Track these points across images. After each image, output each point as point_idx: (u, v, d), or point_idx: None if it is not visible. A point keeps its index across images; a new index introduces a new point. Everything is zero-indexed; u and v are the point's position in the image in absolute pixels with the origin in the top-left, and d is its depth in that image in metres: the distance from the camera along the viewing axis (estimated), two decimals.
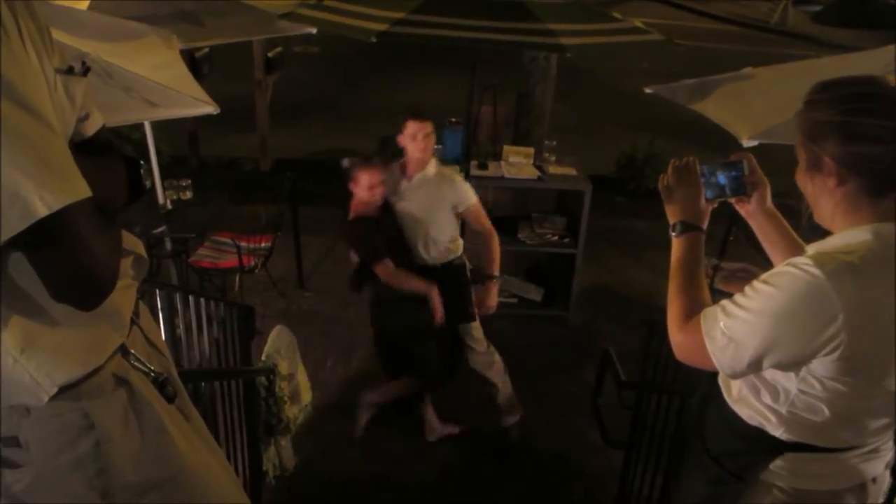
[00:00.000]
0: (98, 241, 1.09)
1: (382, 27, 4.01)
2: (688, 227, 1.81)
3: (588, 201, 5.31)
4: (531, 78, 7.35)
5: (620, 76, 12.18)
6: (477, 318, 4.16)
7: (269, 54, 7.63)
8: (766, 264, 5.07)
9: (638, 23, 5.10)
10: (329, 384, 4.74)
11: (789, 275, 1.49)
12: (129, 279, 1.36)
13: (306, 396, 3.91)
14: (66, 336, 1.21)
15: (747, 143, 3.32)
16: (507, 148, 5.80)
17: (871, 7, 21.40)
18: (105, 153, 1.30)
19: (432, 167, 3.99)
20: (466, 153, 5.28)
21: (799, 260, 1.51)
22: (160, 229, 4.91)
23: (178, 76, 3.57)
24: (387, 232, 3.86)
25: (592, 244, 5.83)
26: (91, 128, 1.31)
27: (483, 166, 5.53)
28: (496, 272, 4.08)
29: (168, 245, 5.37)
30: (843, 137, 1.50)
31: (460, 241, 4.15)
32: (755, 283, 1.57)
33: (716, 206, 1.86)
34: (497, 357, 4.23)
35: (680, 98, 4.20)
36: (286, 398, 3.62)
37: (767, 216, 1.92)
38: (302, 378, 3.92)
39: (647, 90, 4.48)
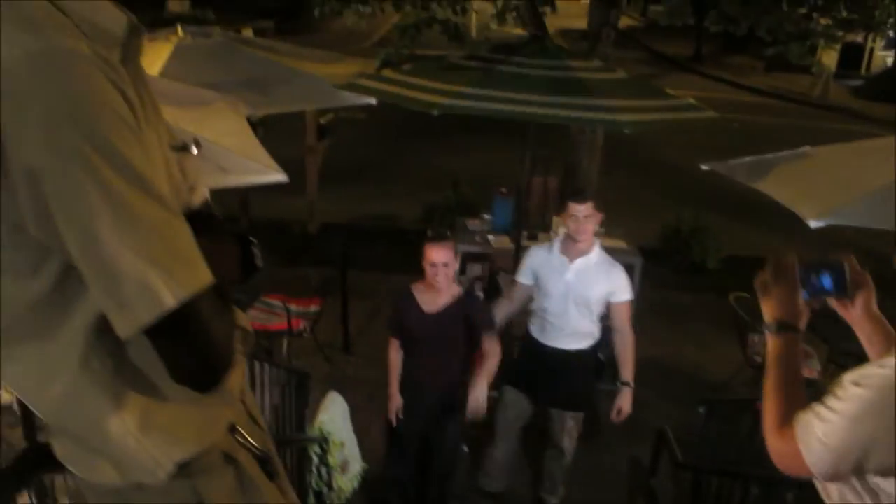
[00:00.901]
0: (218, 324, 1.10)
1: (443, 100, 4.10)
2: (784, 327, 1.76)
3: (639, 274, 5.29)
4: (578, 149, 7.42)
5: (664, 148, 12.23)
6: (581, 410, 4.20)
7: (322, 120, 7.81)
8: (818, 341, 4.96)
9: (690, 99, 5.15)
10: (374, 452, 4.68)
11: (880, 376, 1.46)
12: (238, 354, 1.37)
13: (356, 466, 3.88)
14: (181, 414, 1.22)
15: (815, 223, 3.30)
16: (556, 219, 5.83)
17: None
18: (215, 228, 1.32)
19: (595, 254, 4.00)
20: (517, 223, 5.31)
21: (888, 361, 1.48)
22: None
23: (247, 143, 3.66)
24: (424, 330, 3.79)
25: (638, 317, 5.78)
26: (198, 199, 1.34)
27: (533, 237, 5.55)
28: (629, 377, 4.03)
29: None
30: None
31: (597, 332, 4.14)
32: (846, 383, 1.53)
33: (816, 307, 1.81)
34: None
35: (739, 176, 4.20)
36: (338, 467, 3.60)
37: (872, 321, 1.86)
38: (352, 447, 3.90)
39: (704, 167, 4.48)
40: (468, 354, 3.89)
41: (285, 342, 5.57)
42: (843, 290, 1.81)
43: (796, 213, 3.46)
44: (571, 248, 4.01)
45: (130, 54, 1.10)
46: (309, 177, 8.10)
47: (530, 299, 4.22)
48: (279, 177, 3.63)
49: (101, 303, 1.03)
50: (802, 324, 1.78)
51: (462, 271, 5.60)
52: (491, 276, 5.70)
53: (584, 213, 3.88)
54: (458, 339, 3.81)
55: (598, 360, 4.43)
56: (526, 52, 4.60)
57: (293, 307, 5.44)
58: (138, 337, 1.04)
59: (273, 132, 7.79)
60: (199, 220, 1.28)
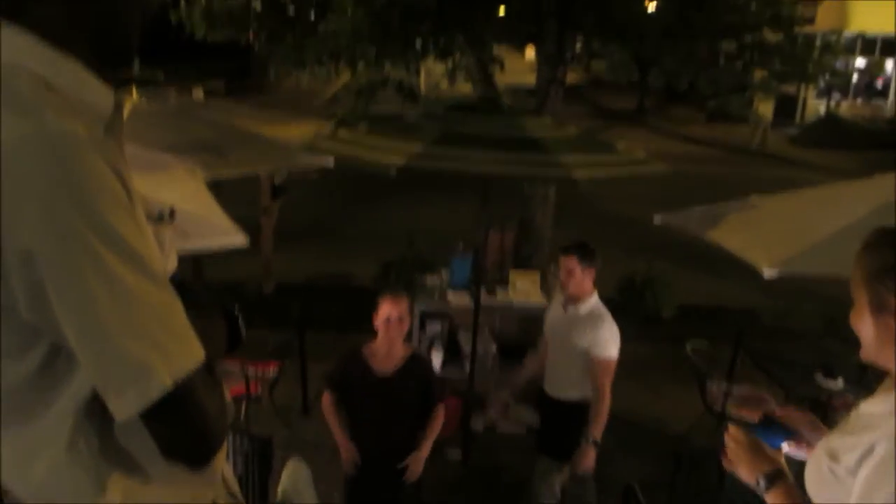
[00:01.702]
0: (210, 399, 1.09)
1: (401, 160, 4.13)
2: (771, 479, 1.82)
3: None
4: (532, 205, 7.53)
5: (616, 200, 12.48)
6: (558, 458, 4.27)
7: (276, 180, 7.81)
8: (775, 386, 5.04)
9: (640, 153, 5.28)
10: None
11: None
12: None
13: None
14: (164, 494, 1.19)
15: (768, 272, 3.39)
16: (513, 273, 5.88)
17: (844, 130, 22.33)
18: (198, 300, 1.31)
19: (587, 305, 4.10)
20: (475, 280, 5.34)
21: None
22: None
23: (206, 206, 3.64)
24: (363, 393, 3.75)
25: None
26: (171, 269, 1.33)
27: (491, 292, 5.58)
28: (596, 436, 4.07)
29: None
30: None
31: (586, 384, 4.15)
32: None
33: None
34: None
35: (691, 228, 4.31)
36: None
37: None
38: None
39: (657, 220, 4.59)
40: (419, 419, 3.84)
41: (244, 407, 5.46)
42: (790, 436, 1.94)
43: (749, 262, 3.54)
44: (568, 297, 4.16)
45: (114, 127, 1.10)
46: (263, 237, 8.05)
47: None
48: (239, 239, 3.61)
49: (98, 385, 1.01)
50: (781, 461, 1.85)
51: (421, 329, 5.59)
52: (450, 333, 5.69)
53: (566, 266, 4.07)
54: (408, 403, 3.78)
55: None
56: (481, 111, 4.69)
57: (251, 371, 5.34)
58: (132, 422, 1.02)
59: (226, 193, 7.75)
60: (183, 292, 1.28)
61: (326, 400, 3.81)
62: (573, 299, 4.12)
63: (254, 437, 3.26)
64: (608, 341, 4.05)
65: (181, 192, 3.61)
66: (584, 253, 4.09)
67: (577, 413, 4.18)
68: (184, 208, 3.40)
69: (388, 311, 3.64)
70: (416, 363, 3.82)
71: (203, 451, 1.12)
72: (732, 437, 1.91)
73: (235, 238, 3.63)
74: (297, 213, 9.61)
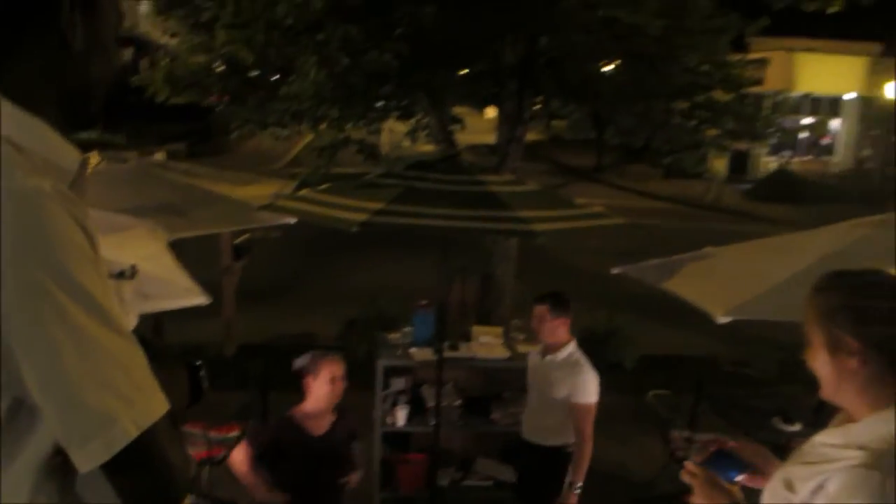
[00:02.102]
0: (173, 450, 1.10)
1: (363, 217, 4.18)
2: None
3: None
4: (493, 260, 7.62)
5: (575, 254, 12.66)
6: None
7: (237, 241, 7.80)
8: (736, 432, 5.13)
9: (598, 207, 5.41)
10: None
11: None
12: None
13: None
14: None
15: (722, 319, 3.48)
16: (476, 328, 5.92)
17: (794, 185, 23.05)
18: (160, 354, 1.32)
19: (565, 353, 4.23)
20: (438, 335, 5.36)
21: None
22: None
23: (167, 267, 3.64)
24: (301, 457, 3.70)
25: None
26: (131, 326, 1.35)
27: (454, 347, 5.59)
28: (578, 481, 4.14)
29: None
30: (861, 321, 1.63)
31: (568, 431, 4.21)
32: None
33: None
34: None
35: (648, 278, 4.41)
36: None
37: None
38: None
39: (615, 271, 4.69)
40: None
41: (206, 471, 5.35)
42: (744, 469, 1.98)
43: (704, 310, 3.64)
44: (546, 345, 4.33)
45: (79, 184, 1.13)
46: (225, 298, 8.00)
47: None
48: (201, 300, 3.61)
49: (61, 436, 1.02)
50: (736, 495, 1.92)
51: (385, 385, 5.57)
52: (414, 388, 5.69)
53: (538, 314, 4.26)
54: (346, 456, 3.83)
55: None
56: (441, 169, 4.77)
57: (213, 435, 5.26)
58: (94, 475, 1.03)
59: (187, 253, 7.71)
60: (144, 346, 1.29)
61: (241, 455, 3.70)
62: (550, 347, 4.28)
63: (216, 500, 3.20)
64: (588, 387, 4.15)
65: (142, 253, 3.60)
66: (556, 302, 4.25)
67: (559, 459, 4.25)
68: (145, 269, 3.40)
69: (332, 371, 3.69)
70: (347, 416, 3.88)
71: (168, 500, 1.12)
72: (689, 472, 1.96)
73: (197, 298, 3.62)
74: (258, 274, 9.57)
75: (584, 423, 4.13)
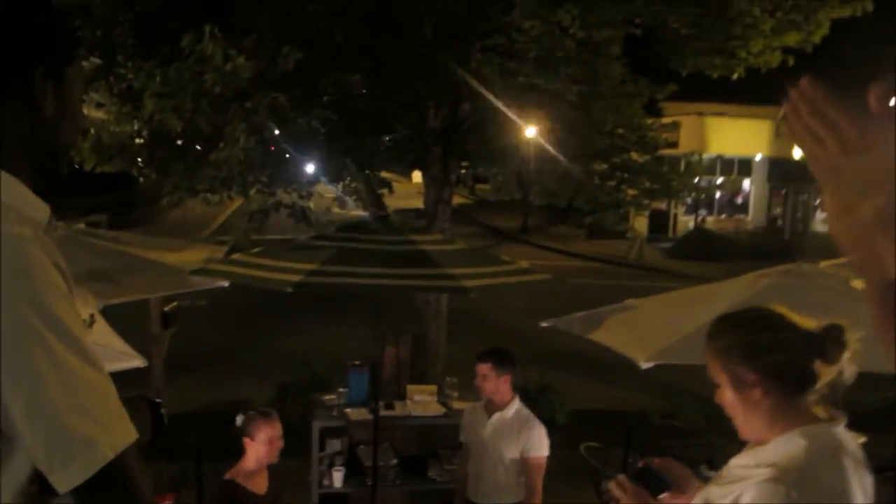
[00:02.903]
0: (142, 477, 1.17)
1: (297, 278, 4.26)
2: None
3: None
4: (425, 319, 7.71)
5: (505, 313, 12.84)
6: None
7: (166, 309, 7.70)
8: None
9: (524, 264, 5.60)
10: None
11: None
12: None
13: None
14: None
15: (645, 364, 3.65)
16: (410, 387, 5.97)
17: (711, 242, 24.00)
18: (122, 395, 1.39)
19: (513, 410, 4.22)
20: (373, 394, 5.40)
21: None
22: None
23: (101, 332, 3.62)
24: None
25: None
26: None
27: (390, 406, 5.64)
28: None
29: None
30: (755, 354, 1.80)
31: (521, 488, 4.22)
32: None
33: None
34: None
35: (575, 329, 4.58)
36: None
37: None
38: None
39: (544, 324, 4.85)
40: None
41: None
42: (669, 486, 2.06)
43: (628, 356, 3.81)
44: (490, 404, 4.29)
45: (49, 233, 1.23)
46: (154, 367, 7.83)
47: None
48: (137, 363, 3.60)
49: (44, 459, 1.08)
50: None
51: (321, 447, 5.55)
52: (350, 449, 5.68)
53: (481, 372, 4.24)
54: None
55: None
56: (371, 230, 4.91)
57: None
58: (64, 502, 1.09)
59: (113, 322, 7.58)
60: None
61: None
62: (495, 405, 4.26)
63: None
64: (542, 440, 4.23)
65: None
66: (500, 359, 4.26)
67: None
68: None
69: (270, 432, 3.71)
70: (273, 470, 3.88)
71: None
72: (619, 485, 2.05)
73: (134, 361, 3.62)
74: (188, 343, 9.42)
75: (537, 478, 4.18)
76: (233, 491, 3.70)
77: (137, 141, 7.15)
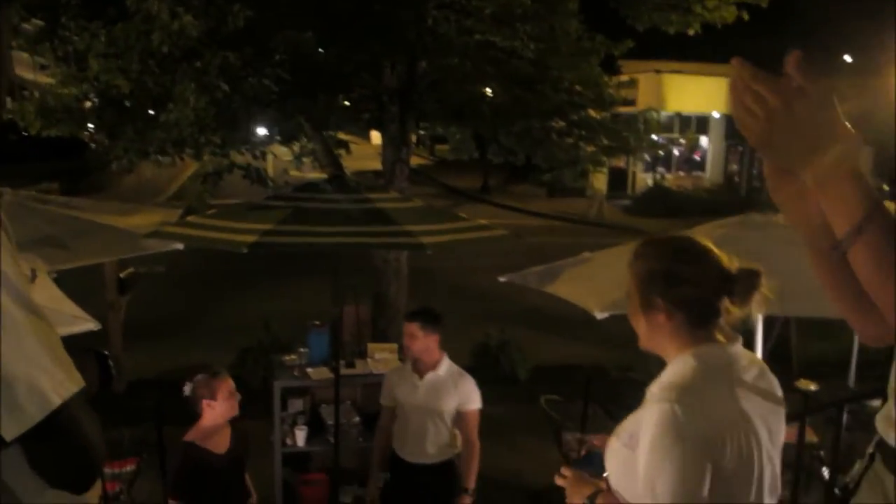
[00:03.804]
0: (91, 425, 1.17)
1: (252, 238, 4.21)
2: (593, 497, 2.02)
3: None
4: (385, 277, 7.72)
5: (467, 272, 12.89)
6: None
7: (122, 275, 7.60)
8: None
9: (482, 221, 5.61)
10: None
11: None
12: None
13: None
14: None
15: (600, 315, 3.70)
16: (371, 346, 5.99)
17: (670, 199, 24.30)
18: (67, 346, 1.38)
19: (444, 368, 4.23)
20: (334, 354, 5.41)
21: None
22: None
23: (51, 297, 3.56)
24: (223, 471, 3.74)
25: None
26: None
27: (351, 365, 5.65)
28: (470, 486, 4.22)
29: None
30: (669, 282, 1.87)
31: (453, 443, 4.27)
32: (645, 446, 1.78)
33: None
34: None
35: (531, 283, 4.62)
36: None
37: None
38: None
39: (501, 279, 4.88)
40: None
41: None
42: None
43: (583, 307, 3.86)
44: (420, 365, 4.26)
45: None
46: (111, 334, 7.76)
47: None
48: (90, 325, 3.54)
49: None
50: (601, 485, 2.04)
51: (283, 407, 5.56)
52: (313, 408, 5.70)
53: (408, 331, 4.21)
54: (245, 464, 3.92)
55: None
56: (328, 190, 4.86)
57: (106, 470, 5.12)
58: (13, 455, 1.08)
59: (68, 289, 7.46)
60: None
61: None
62: (426, 365, 4.24)
63: None
64: (475, 393, 4.27)
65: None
66: (427, 318, 4.23)
67: (450, 472, 4.33)
68: None
69: (228, 387, 3.73)
70: (239, 427, 3.90)
71: (88, 472, 1.18)
72: (561, 475, 2.15)
73: (86, 324, 3.56)
74: (146, 309, 9.32)
75: (473, 429, 4.24)
76: (193, 452, 3.70)
77: (86, 104, 6.99)
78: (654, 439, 1.74)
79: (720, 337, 1.90)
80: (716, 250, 1.89)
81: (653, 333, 1.93)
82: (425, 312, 4.31)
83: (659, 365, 2.10)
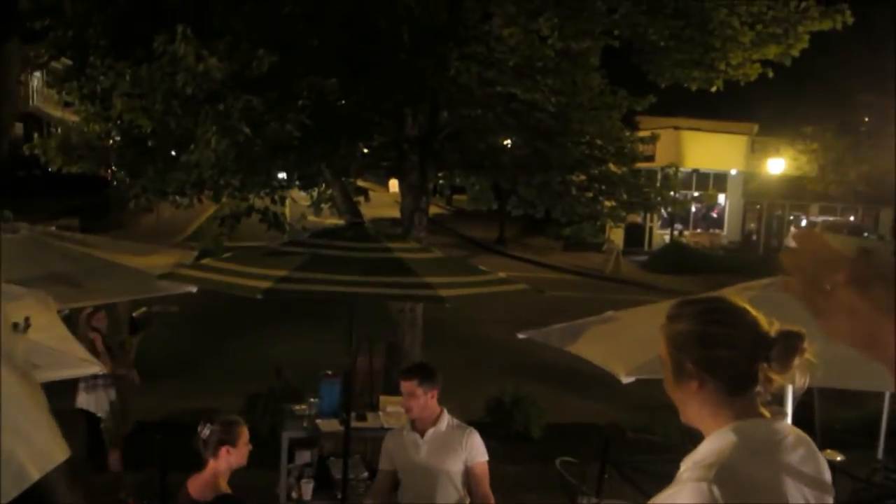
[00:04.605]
0: (68, 495, 1.08)
1: (267, 284, 4.13)
2: None
3: None
4: (401, 328, 7.61)
5: (482, 324, 12.76)
6: None
7: (135, 314, 7.53)
8: (642, 497, 5.21)
9: (501, 274, 5.51)
10: None
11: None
12: None
13: None
14: None
15: (626, 378, 3.55)
16: (383, 398, 5.86)
17: (686, 256, 24.16)
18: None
19: (445, 422, 4.02)
20: (345, 405, 5.28)
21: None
22: None
23: (58, 336, 3.46)
24: None
25: None
26: None
27: (362, 417, 5.52)
28: None
29: None
30: (701, 344, 1.72)
31: (466, 498, 4.04)
32: None
33: None
34: None
35: (553, 342, 4.47)
36: None
37: None
38: None
39: (521, 336, 4.74)
40: None
41: None
42: None
43: (608, 370, 3.71)
44: (420, 423, 4.03)
45: None
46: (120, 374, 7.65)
47: (396, 486, 4.15)
48: (95, 369, 3.44)
49: None
50: None
51: (291, 458, 5.42)
52: (321, 460, 5.56)
53: (407, 390, 3.97)
54: None
55: None
56: (346, 237, 4.79)
57: None
58: None
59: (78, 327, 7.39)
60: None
61: None
62: (425, 423, 4.02)
63: None
64: (481, 444, 4.06)
65: (33, 323, 3.43)
66: (425, 375, 4.01)
67: None
68: (36, 339, 3.24)
69: (246, 436, 3.55)
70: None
71: None
72: None
73: (92, 368, 3.45)
74: (158, 349, 9.23)
75: (486, 483, 4.01)
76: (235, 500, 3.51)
77: (109, 142, 7.00)
78: None
79: (764, 412, 1.75)
80: (753, 311, 1.76)
81: (688, 403, 1.79)
82: (422, 368, 4.12)
83: (681, 432, 1.97)
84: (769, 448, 1.71)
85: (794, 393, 1.75)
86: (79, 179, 7.91)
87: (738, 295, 4.23)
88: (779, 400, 1.78)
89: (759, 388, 1.73)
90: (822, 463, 1.80)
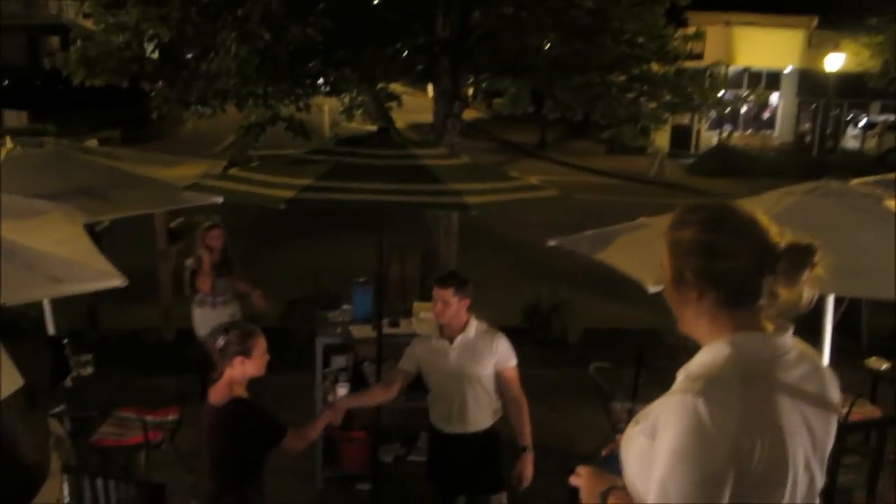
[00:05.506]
0: (27, 432, 1.04)
1: (290, 194, 4.08)
2: (605, 493, 1.83)
3: None
4: (435, 234, 7.57)
5: (518, 228, 12.67)
6: (503, 489, 4.19)
7: (172, 225, 7.62)
8: None
9: (533, 180, 5.38)
10: None
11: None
12: (54, 468, 1.29)
13: None
14: None
15: (653, 288, 3.45)
16: (416, 305, 5.86)
17: (735, 159, 23.51)
18: (23, 332, 1.27)
19: (473, 329, 4.06)
20: (377, 312, 5.29)
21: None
22: (59, 408, 4.62)
23: (82, 250, 3.49)
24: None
25: None
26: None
27: (395, 324, 5.54)
28: (528, 441, 4.05)
29: (67, 425, 5.06)
30: (703, 254, 1.64)
31: (493, 407, 4.13)
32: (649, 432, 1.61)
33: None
34: None
35: (583, 249, 4.38)
36: None
37: None
38: None
39: (550, 243, 4.65)
40: None
41: (143, 456, 5.23)
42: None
43: (636, 279, 3.62)
44: (448, 330, 4.07)
45: None
46: (161, 283, 7.82)
47: (407, 387, 4.25)
48: (117, 281, 3.45)
49: None
50: (617, 482, 1.83)
51: (326, 364, 5.50)
52: (355, 366, 5.63)
53: (442, 297, 3.98)
54: None
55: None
56: (371, 144, 4.69)
57: (149, 419, 5.15)
58: None
59: (121, 239, 7.52)
60: (12, 327, 1.23)
61: (297, 434, 3.62)
62: (454, 330, 4.06)
63: (141, 483, 3.11)
64: (509, 350, 4.09)
65: (56, 237, 3.45)
66: (460, 283, 4.03)
67: (491, 438, 4.17)
68: (56, 253, 3.27)
69: (263, 346, 3.51)
70: None
71: (23, 485, 1.06)
72: (576, 474, 1.94)
73: (114, 281, 3.45)
74: None
75: (517, 386, 4.06)
76: (248, 402, 3.56)
77: (127, 54, 6.87)
78: (672, 437, 1.54)
79: (767, 324, 1.66)
80: (763, 221, 1.65)
81: (686, 313, 1.72)
82: (456, 276, 4.12)
83: None
84: (765, 362, 1.64)
85: (800, 308, 1.65)
86: (119, 91, 7.84)
87: (781, 199, 4.07)
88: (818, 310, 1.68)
89: (762, 302, 1.63)
90: (829, 381, 1.73)
